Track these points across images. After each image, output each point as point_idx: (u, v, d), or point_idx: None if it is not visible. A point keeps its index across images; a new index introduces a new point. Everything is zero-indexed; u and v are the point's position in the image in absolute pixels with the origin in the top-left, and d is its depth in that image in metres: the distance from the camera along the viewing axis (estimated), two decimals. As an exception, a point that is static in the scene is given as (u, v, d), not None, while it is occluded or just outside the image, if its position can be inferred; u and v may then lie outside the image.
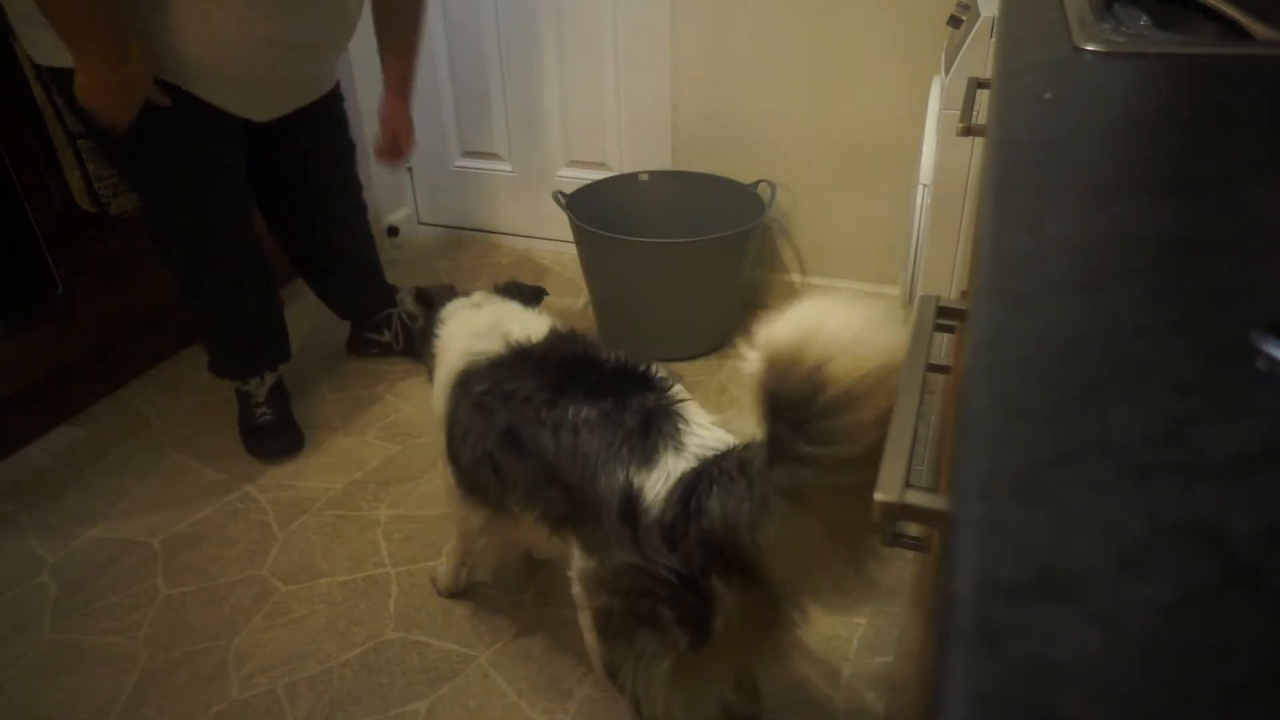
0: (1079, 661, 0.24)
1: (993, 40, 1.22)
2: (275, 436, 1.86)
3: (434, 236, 2.79)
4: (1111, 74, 0.69)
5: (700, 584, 0.93)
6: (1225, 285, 0.40)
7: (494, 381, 1.18)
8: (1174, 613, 0.25)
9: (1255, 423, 0.32)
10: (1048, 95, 0.63)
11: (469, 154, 2.65)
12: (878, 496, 0.45)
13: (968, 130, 1.08)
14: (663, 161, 2.33)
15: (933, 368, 0.66)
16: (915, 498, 0.45)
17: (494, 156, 2.62)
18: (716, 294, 2.10)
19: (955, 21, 1.41)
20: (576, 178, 2.38)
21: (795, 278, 2.34)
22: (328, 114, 1.84)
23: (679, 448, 0.98)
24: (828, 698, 1.30)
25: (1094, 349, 0.36)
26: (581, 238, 2.07)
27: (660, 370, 1.13)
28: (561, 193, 2.15)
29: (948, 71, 1.33)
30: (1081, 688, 0.23)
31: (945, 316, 0.63)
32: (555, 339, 1.24)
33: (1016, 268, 0.42)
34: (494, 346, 1.23)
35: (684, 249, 1.99)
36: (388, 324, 2.15)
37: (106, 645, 1.43)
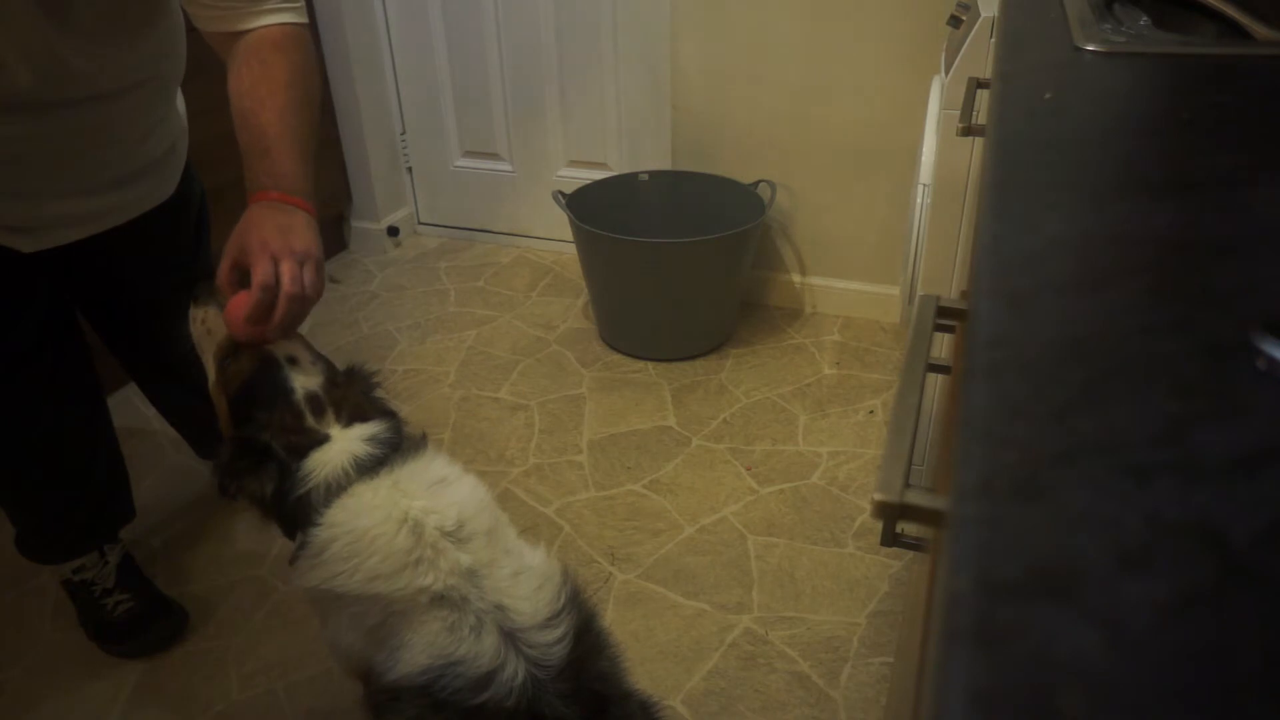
0: (1079, 661, 0.24)
1: (993, 40, 1.22)
2: (148, 624, 1.39)
3: (434, 236, 2.79)
4: (1111, 74, 0.69)
5: None
6: (1225, 285, 0.40)
7: None
8: (1174, 613, 0.25)
9: (1255, 423, 0.32)
10: (1048, 95, 0.63)
11: (469, 154, 2.65)
12: (877, 496, 0.45)
13: (968, 130, 1.08)
14: (663, 161, 2.33)
15: (933, 367, 0.66)
16: (915, 498, 0.45)
17: (494, 156, 2.62)
18: (716, 294, 2.11)
19: (955, 21, 1.41)
20: (576, 178, 2.38)
21: (795, 277, 2.34)
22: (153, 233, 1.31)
23: None
24: (828, 698, 1.30)
25: (1094, 349, 0.36)
26: (581, 238, 2.07)
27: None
28: (561, 193, 2.15)
29: (948, 71, 1.33)
30: (1081, 687, 0.23)
31: (945, 316, 0.63)
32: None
33: (1016, 268, 0.42)
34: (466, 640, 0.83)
35: (684, 249, 1.99)
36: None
37: (106, 645, 1.43)
